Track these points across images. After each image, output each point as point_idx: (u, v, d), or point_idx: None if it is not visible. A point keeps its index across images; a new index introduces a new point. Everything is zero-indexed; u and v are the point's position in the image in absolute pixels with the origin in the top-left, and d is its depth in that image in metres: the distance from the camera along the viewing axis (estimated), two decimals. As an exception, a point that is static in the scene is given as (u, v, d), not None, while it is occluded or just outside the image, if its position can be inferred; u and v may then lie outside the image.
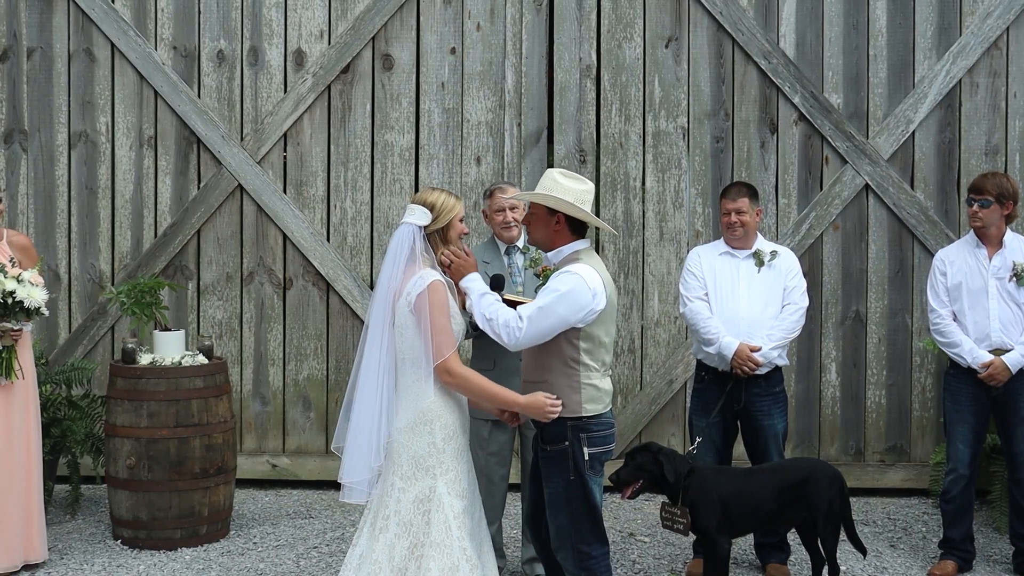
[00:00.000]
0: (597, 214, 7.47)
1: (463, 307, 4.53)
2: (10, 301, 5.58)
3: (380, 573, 4.35)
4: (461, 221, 4.52)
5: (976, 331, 5.66)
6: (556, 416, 4.40)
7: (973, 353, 5.64)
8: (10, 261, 5.77)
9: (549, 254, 4.56)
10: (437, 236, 4.46)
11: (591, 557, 4.49)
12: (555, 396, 4.39)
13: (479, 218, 6.94)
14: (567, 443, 4.44)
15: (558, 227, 4.49)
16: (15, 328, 5.66)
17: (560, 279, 4.38)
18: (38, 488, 5.86)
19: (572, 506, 4.46)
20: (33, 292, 5.64)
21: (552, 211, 4.48)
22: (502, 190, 5.69)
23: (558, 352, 4.43)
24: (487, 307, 4.40)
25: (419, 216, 4.43)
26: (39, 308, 5.66)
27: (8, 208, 7.46)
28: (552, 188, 4.46)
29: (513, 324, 4.34)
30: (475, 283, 4.46)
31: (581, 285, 4.34)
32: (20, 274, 5.66)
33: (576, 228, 4.52)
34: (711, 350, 5.63)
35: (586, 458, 4.42)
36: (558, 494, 4.48)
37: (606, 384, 4.52)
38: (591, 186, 4.53)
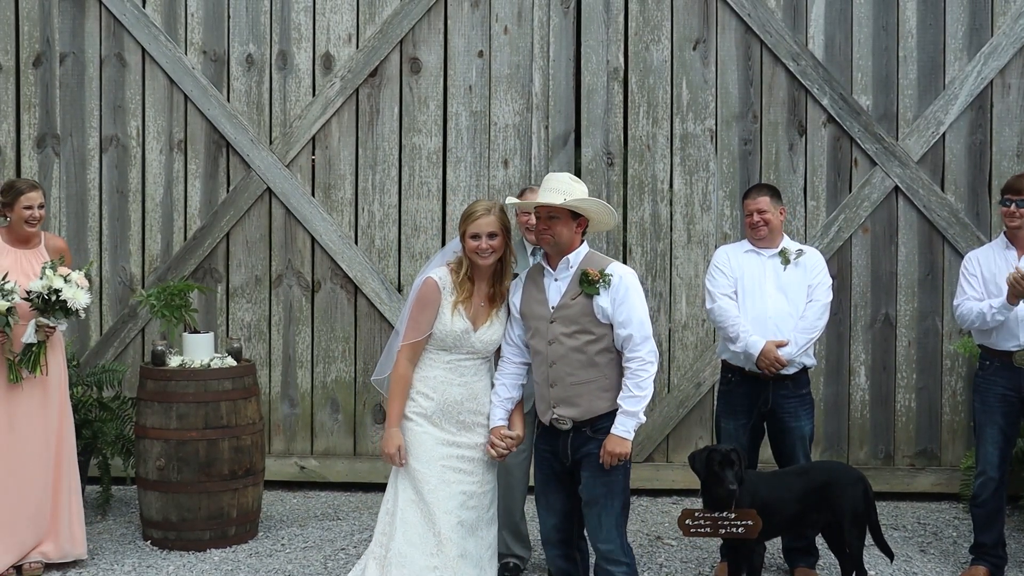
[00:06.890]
0: (624, 217, 7.47)
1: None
2: (53, 298, 5.62)
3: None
4: (474, 239, 4.71)
5: (1005, 332, 5.60)
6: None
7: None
8: (59, 260, 5.83)
9: (569, 256, 4.70)
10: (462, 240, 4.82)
11: (627, 544, 4.76)
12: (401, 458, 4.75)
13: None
14: None
15: (579, 229, 4.72)
16: (50, 325, 5.70)
17: (625, 286, 4.62)
18: (68, 487, 5.88)
19: (624, 494, 4.70)
20: (78, 294, 5.68)
21: (575, 215, 4.64)
22: (532, 190, 5.78)
23: (606, 346, 4.62)
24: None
25: None
26: (79, 310, 5.71)
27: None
28: (575, 194, 4.66)
29: (650, 358, 4.59)
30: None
31: (636, 282, 4.67)
32: (69, 274, 5.70)
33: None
34: (737, 347, 5.59)
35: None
36: (610, 482, 4.63)
37: None
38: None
